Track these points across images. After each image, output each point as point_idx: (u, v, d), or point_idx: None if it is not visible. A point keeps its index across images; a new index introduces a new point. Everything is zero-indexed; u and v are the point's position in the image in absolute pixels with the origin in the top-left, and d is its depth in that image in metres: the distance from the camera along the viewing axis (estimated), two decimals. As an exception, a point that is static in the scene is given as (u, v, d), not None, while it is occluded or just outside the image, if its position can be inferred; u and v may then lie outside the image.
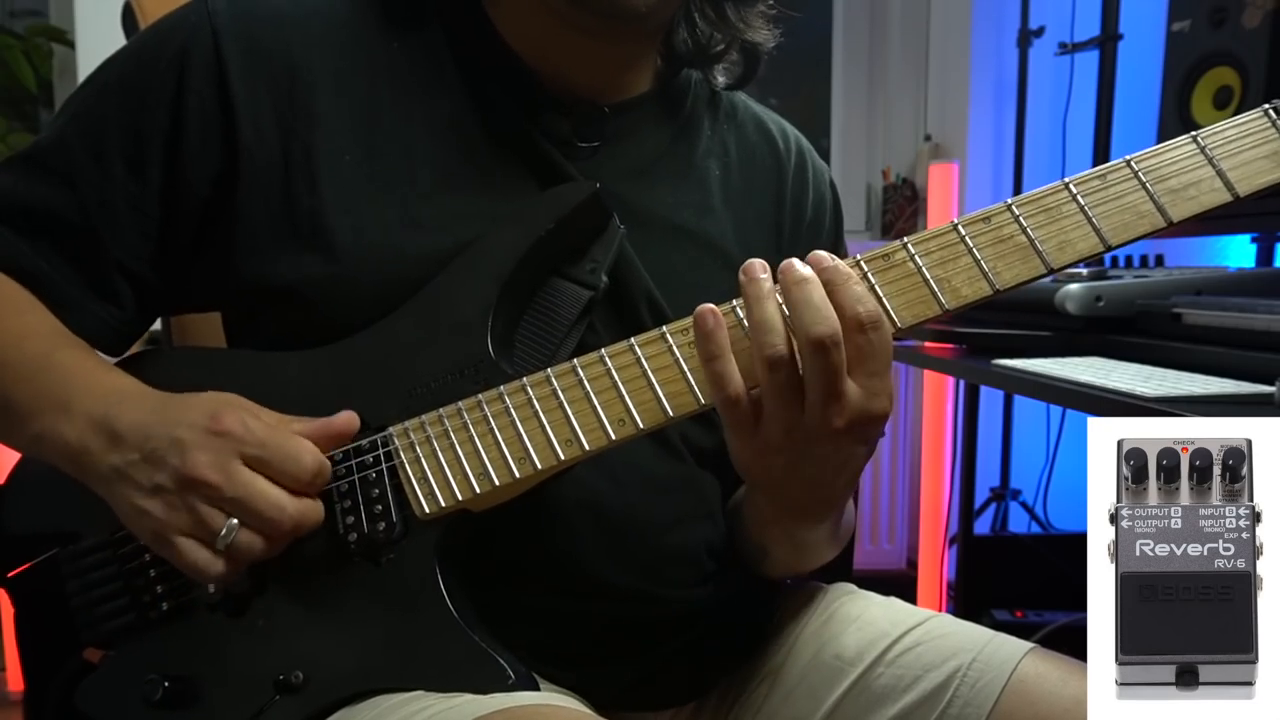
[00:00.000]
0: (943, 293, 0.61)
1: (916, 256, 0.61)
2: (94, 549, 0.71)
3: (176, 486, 0.61)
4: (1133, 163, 0.61)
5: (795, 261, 0.59)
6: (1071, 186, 0.61)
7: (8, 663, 1.99)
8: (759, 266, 0.60)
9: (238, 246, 0.71)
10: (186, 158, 0.71)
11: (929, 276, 0.61)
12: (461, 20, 0.75)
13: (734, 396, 0.59)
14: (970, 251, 0.61)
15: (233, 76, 0.70)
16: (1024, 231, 0.61)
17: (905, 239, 0.62)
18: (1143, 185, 0.61)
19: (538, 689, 0.65)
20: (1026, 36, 2.34)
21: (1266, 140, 0.61)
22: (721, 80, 0.83)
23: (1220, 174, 0.60)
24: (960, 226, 0.62)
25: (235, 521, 0.61)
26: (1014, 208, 0.61)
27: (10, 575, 0.75)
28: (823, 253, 0.60)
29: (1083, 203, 0.61)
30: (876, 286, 0.61)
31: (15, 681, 1.97)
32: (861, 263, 0.62)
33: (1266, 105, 0.61)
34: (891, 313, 0.61)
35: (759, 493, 0.73)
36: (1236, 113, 1.42)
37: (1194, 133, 0.61)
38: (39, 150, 0.73)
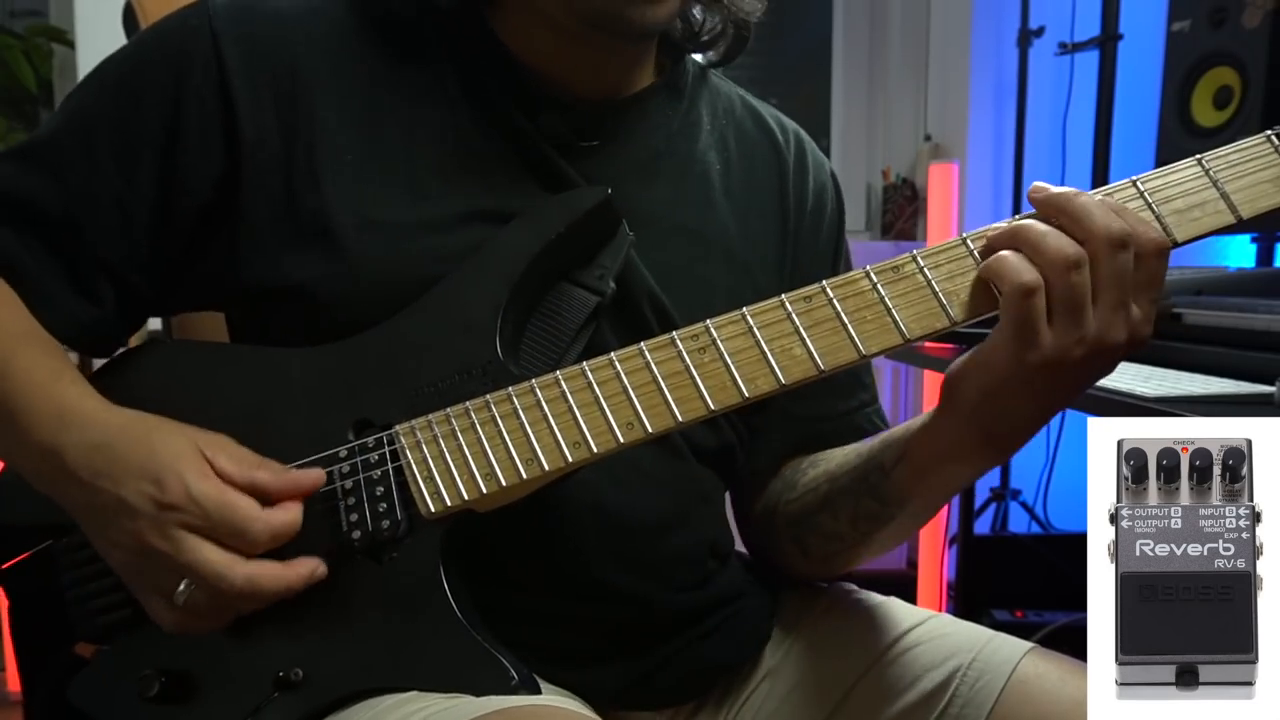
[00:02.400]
0: (951, 305, 0.62)
1: (925, 270, 0.62)
2: (89, 542, 0.71)
3: (129, 549, 0.63)
4: (1139, 183, 0.62)
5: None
6: None
7: (7, 663, 1.99)
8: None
9: (240, 247, 0.71)
10: (185, 162, 0.70)
11: (938, 290, 0.62)
12: (461, 23, 0.75)
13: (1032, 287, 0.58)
14: (979, 266, 0.61)
15: (233, 77, 0.70)
16: None
17: (915, 252, 0.62)
18: (1149, 205, 0.62)
19: (539, 691, 0.65)
20: (1026, 36, 2.35)
21: (1269, 165, 0.62)
22: (713, 55, 0.83)
23: (1224, 196, 0.62)
24: (969, 240, 0.62)
25: (183, 585, 0.62)
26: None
27: (5, 567, 0.74)
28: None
29: None
30: (886, 298, 0.62)
31: (15, 681, 1.97)
32: (871, 274, 0.62)
33: (1269, 132, 0.63)
34: (900, 324, 0.61)
35: (957, 420, 0.66)
36: (1237, 113, 1.43)
37: (1198, 156, 0.63)
38: (33, 144, 0.73)
